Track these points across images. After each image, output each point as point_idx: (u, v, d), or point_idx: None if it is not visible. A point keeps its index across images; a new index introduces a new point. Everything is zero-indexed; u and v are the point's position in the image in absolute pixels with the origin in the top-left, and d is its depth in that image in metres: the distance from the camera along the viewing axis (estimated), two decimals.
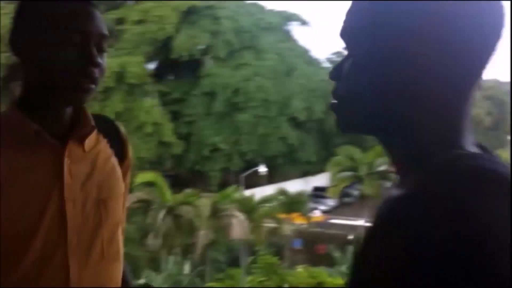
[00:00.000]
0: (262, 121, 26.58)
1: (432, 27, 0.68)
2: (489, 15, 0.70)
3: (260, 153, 26.04)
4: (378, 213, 0.68)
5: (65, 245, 1.18)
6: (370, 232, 0.69)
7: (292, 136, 27.07)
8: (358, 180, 20.16)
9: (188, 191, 16.18)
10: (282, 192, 19.02)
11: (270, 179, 24.35)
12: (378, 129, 0.76)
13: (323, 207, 24.37)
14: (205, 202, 15.40)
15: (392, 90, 0.71)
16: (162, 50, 27.27)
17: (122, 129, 1.39)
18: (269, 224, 16.71)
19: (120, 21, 26.62)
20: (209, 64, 27.76)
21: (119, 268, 1.31)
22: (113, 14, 26.06)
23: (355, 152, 20.23)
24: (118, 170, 1.32)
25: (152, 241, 14.79)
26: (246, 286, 14.23)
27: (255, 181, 23.26)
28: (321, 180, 25.09)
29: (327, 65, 29.97)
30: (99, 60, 1.16)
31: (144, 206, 15.37)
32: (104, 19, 1.21)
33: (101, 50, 1.17)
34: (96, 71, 1.15)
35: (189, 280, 15.05)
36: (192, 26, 27.25)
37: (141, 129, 24.14)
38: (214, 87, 26.65)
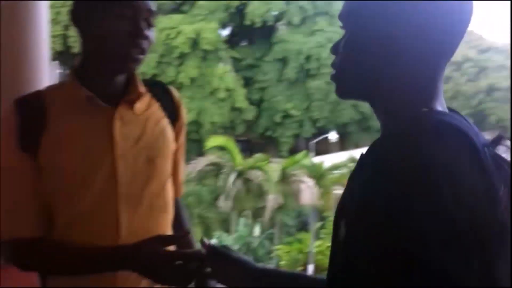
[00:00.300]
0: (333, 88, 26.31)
1: (408, 12, 0.83)
2: (457, 4, 0.85)
3: (332, 120, 25.88)
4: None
5: (116, 197, 1.33)
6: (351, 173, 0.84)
7: (365, 103, 26.67)
8: None
9: (258, 156, 16.40)
10: (352, 160, 18.91)
11: (341, 146, 24.21)
12: (366, 94, 0.91)
13: None
14: (274, 167, 15.57)
15: (376, 63, 0.86)
16: (236, 16, 27.38)
17: (175, 93, 1.51)
18: (339, 191, 16.73)
19: None
20: (282, 31, 27.64)
21: (167, 218, 1.45)
22: None
23: None
24: (169, 131, 1.44)
25: (223, 203, 15.22)
26: (314, 250, 14.42)
27: (325, 148, 23.24)
28: None
29: None
30: (147, 32, 1.30)
31: (216, 169, 15.79)
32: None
33: (149, 24, 1.31)
34: (145, 42, 1.29)
35: (259, 242, 15.39)
36: None
37: (214, 95, 24.55)
38: (287, 53, 26.54)
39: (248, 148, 22.12)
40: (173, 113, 1.48)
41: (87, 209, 1.33)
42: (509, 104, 19.55)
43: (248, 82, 26.67)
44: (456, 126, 0.78)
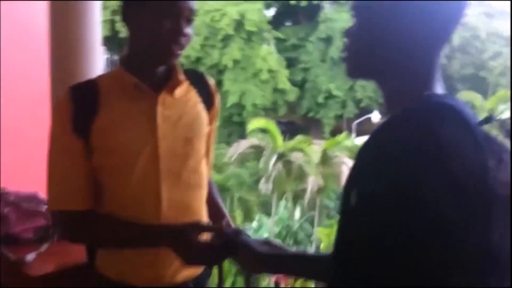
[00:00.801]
0: None
1: (409, 4, 0.94)
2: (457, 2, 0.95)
3: (375, 99, 25.56)
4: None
5: (158, 174, 1.50)
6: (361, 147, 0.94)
7: None
8: None
9: (299, 137, 16.37)
10: None
11: None
12: (373, 74, 1.03)
13: None
14: (315, 149, 15.52)
15: (381, 47, 0.97)
16: None
17: (211, 81, 1.68)
18: None
19: None
20: (327, 9, 27.34)
21: (202, 193, 1.63)
22: None
23: (476, 98, 19.20)
24: (204, 115, 1.60)
25: (264, 186, 15.32)
26: None
27: (368, 128, 22.98)
28: None
29: None
30: (187, 30, 1.45)
31: (257, 152, 15.89)
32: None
33: (189, 22, 1.46)
34: (184, 39, 1.45)
35: (299, 225, 15.46)
36: None
37: (257, 76, 24.59)
38: (331, 32, 26.20)
39: (290, 130, 22.14)
40: (208, 99, 1.65)
41: (132, 185, 1.49)
42: None
43: (291, 63, 26.58)
44: (455, 108, 0.89)
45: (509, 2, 23.50)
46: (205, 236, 1.48)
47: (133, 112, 1.49)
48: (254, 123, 16.07)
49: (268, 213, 15.80)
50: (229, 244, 1.36)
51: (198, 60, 25.46)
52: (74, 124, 1.44)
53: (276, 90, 24.73)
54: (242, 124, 22.20)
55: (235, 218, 14.49)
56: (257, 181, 16.12)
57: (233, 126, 25.02)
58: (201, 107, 1.60)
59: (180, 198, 1.54)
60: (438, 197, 0.80)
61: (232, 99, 24.64)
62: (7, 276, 2.07)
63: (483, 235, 0.83)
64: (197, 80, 1.64)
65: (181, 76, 1.55)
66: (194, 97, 1.60)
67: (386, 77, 1.00)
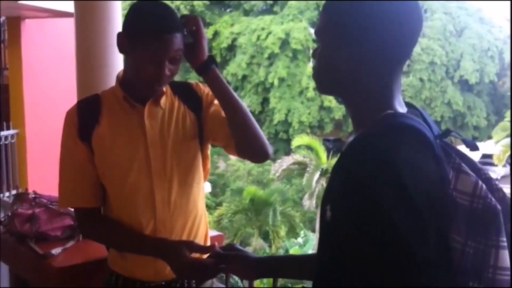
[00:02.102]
0: (427, 85, 25.60)
1: (367, 27, 1.01)
2: (409, 17, 1.02)
3: None
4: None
5: (151, 178, 1.66)
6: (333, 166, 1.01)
7: (458, 100, 25.72)
8: None
9: None
10: None
11: None
12: (336, 92, 1.11)
13: (492, 175, 22.88)
14: None
15: (341, 69, 1.05)
16: None
17: (192, 82, 1.79)
18: None
19: None
20: None
21: (196, 190, 1.75)
22: None
23: None
24: (191, 118, 1.72)
25: (308, 202, 15.34)
26: None
27: None
28: (490, 147, 23.63)
29: (503, 22, 27.70)
30: (171, 68, 1.57)
31: (301, 168, 15.96)
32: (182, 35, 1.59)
33: (175, 61, 1.60)
34: (167, 77, 1.58)
35: None
36: None
37: (303, 94, 24.66)
38: None
39: (337, 147, 22.03)
40: (196, 101, 1.76)
41: (129, 188, 1.67)
42: None
43: None
44: (413, 127, 0.95)
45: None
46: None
47: (125, 121, 1.68)
48: (298, 140, 16.19)
49: (313, 230, 15.76)
50: (222, 260, 1.50)
51: (244, 78, 25.80)
52: (79, 131, 1.66)
53: (322, 108, 24.71)
54: (288, 142, 22.29)
55: (278, 233, 14.51)
56: (302, 197, 16.13)
57: (280, 143, 25.12)
58: (187, 112, 1.73)
59: (173, 197, 1.69)
60: (395, 217, 0.86)
61: (278, 117, 24.78)
62: (35, 269, 2.26)
63: (442, 243, 0.90)
64: (183, 89, 1.77)
65: (163, 89, 1.70)
66: (179, 105, 1.73)
67: (348, 96, 1.07)
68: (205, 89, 1.76)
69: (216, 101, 1.72)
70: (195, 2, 26.18)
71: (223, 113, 1.68)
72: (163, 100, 1.71)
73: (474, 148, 0.99)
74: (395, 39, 1.00)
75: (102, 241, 1.82)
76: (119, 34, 1.61)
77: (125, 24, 1.61)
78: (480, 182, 0.92)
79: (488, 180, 0.96)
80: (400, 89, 1.06)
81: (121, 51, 1.64)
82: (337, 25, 1.04)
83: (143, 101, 1.68)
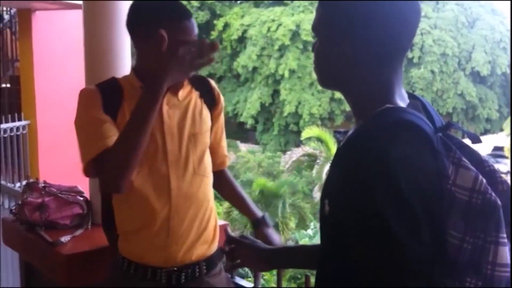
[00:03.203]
0: (439, 76, 25.42)
1: (361, 22, 1.01)
2: (405, 10, 1.02)
3: (436, 109, 24.88)
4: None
5: (167, 164, 1.71)
6: (332, 161, 1.05)
7: (472, 91, 25.53)
8: None
9: None
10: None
11: None
12: (336, 86, 1.11)
13: (503, 168, 22.83)
14: None
15: (340, 63, 1.05)
16: None
17: (213, 83, 1.89)
18: None
19: None
20: None
21: (207, 181, 1.82)
22: None
23: None
24: (206, 113, 1.81)
25: (318, 194, 15.35)
26: None
27: None
28: (502, 139, 23.47)
29: None
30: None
31: (311, 160, 15.96)
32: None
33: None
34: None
35: None
36: None
37: (314, 86, 24.60)
38: None
39: None
40: (211, 100, 1.86)
41: (145, 172, 1.70)
42: None
43: None
44: (411, 122, 0.95)
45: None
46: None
47: None
48: (308, 132, 16.18)
49: None
50: (235, 249, 1.47)
51: (254, 69, 25.78)
52: (105, 108, 1.67)
53: (332, 100, 24.63)
54: (298, 133, 22.24)
55: (288, 224, 14.55)
56: (312, 189, 16.16)
57: (290, 135, 25.11)
58: (203, 107, 1.81)
59: (187, 186, 1.74)
60: (388, 214, 0.87)
61: (289, 109, 24.75)
62: (44, 257, 2.30)
63: (438, 239, 0.90)
64: (201, 84, 1.84)
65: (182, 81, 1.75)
66: (197, 98, 1.80)
67: (347, 90, 1.08)
68: (221, 95, 1.88)
69: (222, 112, 1.90)
70: None
71: (223, 130, 1.90)
72: (181, 92, 1.76)
73: (476, 140, 0.99)
74: (390, 33, 1.00)
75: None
76: (137, 27, 1.67)
77: (144, 14, 1.66)
78: (480, 177, 0.91)
79: (492, 172, 0.96)
80: (401, 82, 1.06)
81: (134, 42, 1.70)
82: (332, 19, 1.04)
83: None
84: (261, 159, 20.82)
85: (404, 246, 0.87)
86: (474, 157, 0.97)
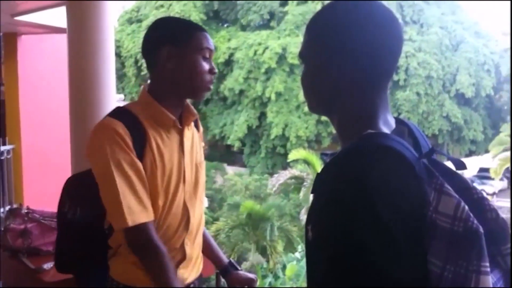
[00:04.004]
0: (424, 99, 25.69)
1: (345, 48, 1.01)
2: (388, 37, 1.02)
3: (422, 131, 25.13)
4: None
5: (184, 194, 1.75)
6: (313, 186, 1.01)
7: (457, 113, 25.82)
8: None
9: None
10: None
11: None
12: (324, 111, 1.11)
13: (489, 189, 23.03)
14: None
15: (323, 89, 1.06)
16: None
17: (197, 118, 1.89)
18: None
19: (283, 3, 27.36)
20: None
21: (204, 208, 1.90)
22: None
23: None
24: (200, 141, 1.87)
25: (304, 217, 15.32)
26: None
27: None
28: (487, 160, 23.69)
29: (499, 36, 27.92)
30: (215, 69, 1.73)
31: (298, 183, 15.94)
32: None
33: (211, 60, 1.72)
34: (214, 77, 1.72)
35: None
36: None
37: (300, 109, 24.74)
38: None
39: None
40: (197, 128, 1.89)
41: (168, 203, 1.71)
42: None
43: None
44: (390, 148, 0.93)
45: None
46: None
47: (168, 143, 1.71)
48: (295, 154, 16.15)
49: None
50: None
51: (241, 92, 25.90)
52: (134, 148, 1.62)
53: (319, 122, 24.77)
54: (286, 156, 22.24)
55: (276, 247, 14.48)
56: (300, 212, 16.11)
57: (277, 158, 25.15)
58: (199, 136, 1.86)
59: (198, 214, 1.81)
60: (367, 241, 0.85)
61: (275, 131, 24.84)
62: (27, 284, 2.25)
63: (419, 267, 0.88)
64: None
65: (194, 110, 1.80)
66: (194, 128, 1.84)
67: (332, 115, 1.08)
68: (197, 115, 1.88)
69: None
70: (192, 17, 26.31)
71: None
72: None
73: (460, 166, 0.97)
74: (374, 59, 1.00)
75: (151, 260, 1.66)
76: (159, 50, 1.66)
77: (166, 36, 1.68)
78: (462, 204, 0.88)
79: (480, 200, 0.94)
80: (387, 107, 1.05)
81: (152, 53, 1.69)
82: (316, 46, 1.05)
83: (180, 122, 1.76)
84: (248, 181, 20.78)
85: (384, 274, 0.86)
86: (461, 184, 0.95)
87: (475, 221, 0.87)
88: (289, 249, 15.41)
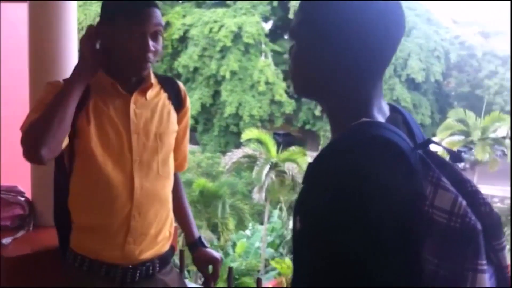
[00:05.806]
0: None
1: (343, 28, 0.95)
2: (388, 22, 0.96)
3: None
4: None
5: (131, 163, 1.72)
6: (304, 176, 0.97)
7: (406, 98, 26.38)
8: (470, 145, 19.42)
9: (293, 148, 16.53)
10: None
11: None
12: (313, 96, 1.05)
13: None
14: (309, 160, 15.60)
15: (316, 70, 0.99)
16: (278, 9, 27.49)
17: (182, 86, 1.91)
18: None
19: None
20: None
21: (170, 184, 1.84)
22: None
23: (470, 116, 19.40)
24: (173, 115, 1.82)
25: (257, 195, 15.45)
26: None
27: None
28: (434, 146, 24.33)
29: (450, 24, 28.60)
30: (154, 45, 1.67)
31: (251, 162, 16.05)
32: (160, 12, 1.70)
33: (156, 37, 1.68)
34: (152, 54, 1.67)
35: None
36: None
37: (254, 88, 24.75)
38: None
39: (287, 141, 22.23)
40: (179, 102, 1.87)
41: (109, 168, 1.70)
42: None
43: (288, 76, 26.46)
44: (385, 139, 0.89)
45: (504, 22, 23.68)
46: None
47: (110, 108, 1.71)
48: (248, 134, 16.27)
49: (261, 222, 15.89)
50: None
51: (196, 70, 25.67)
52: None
53: (273, 102, 24.86)
54: (239, 135, 22.32)
55: (227, 225, 14.60)
56: (251, 190, 16.26)
57: (230, 136, 25.16)
58: (170, 108, 1.82)
59: (150, 186, 1.75)
60: (355, 232, 0.83)
61: (229, 110, 24.79)
62: None
63: (412, 264, 0.85)
64: (170, 85, 1.86)
65: (153, 80, 1.77)
66: (165, 99, 1.81)
67: (324, 100, 1.02)
68: (188, 98, 1.90)
69: (188, 115, 1.90)
70: None
71: (186, 134, 1.91)
72: (150, 92, 1.77)
73: (457, 159, 0.93)
74: (372, 43, 0.95)
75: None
76: (97, 24, 1.67)
77: (104, 9, 1.69)
78: (459, 199, 0.84)
79: (474, 193, 0.89)
80: (381, 94, 1.00)
81: (103, 39, 1.67)
82: (312, 24, 0.98)
83: (131, 91, 1.73)
84: (201, 159, 20.75)
85: (370, 271, 0.83)
86: (456, 176, 0.90)
87: (473, 217, 0.83)
88: (240, 227, 15.58)
